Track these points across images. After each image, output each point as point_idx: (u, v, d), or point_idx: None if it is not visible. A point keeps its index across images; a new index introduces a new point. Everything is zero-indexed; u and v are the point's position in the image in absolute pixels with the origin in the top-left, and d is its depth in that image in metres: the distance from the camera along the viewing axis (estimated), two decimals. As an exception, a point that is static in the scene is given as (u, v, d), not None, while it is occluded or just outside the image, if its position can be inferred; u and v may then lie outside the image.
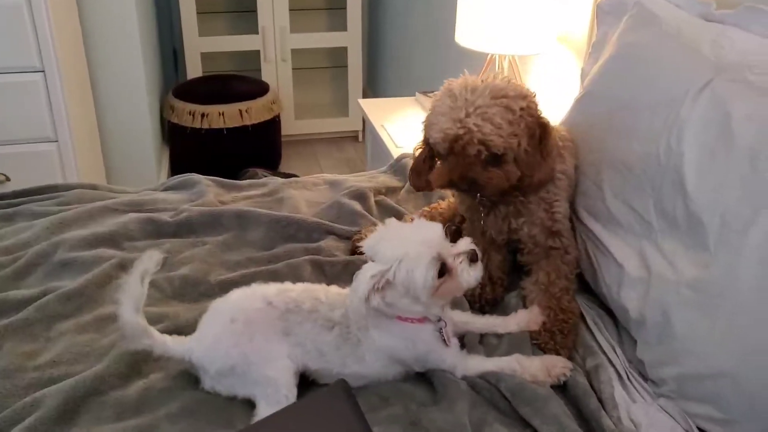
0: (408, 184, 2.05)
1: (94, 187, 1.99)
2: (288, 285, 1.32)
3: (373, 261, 1.22)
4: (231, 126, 3.77)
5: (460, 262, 1.21)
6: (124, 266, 1.59)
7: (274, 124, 3.98)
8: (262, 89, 3.97)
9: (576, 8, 2.19)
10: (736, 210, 1.21)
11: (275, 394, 1.19)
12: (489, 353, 1.36)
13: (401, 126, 2.61)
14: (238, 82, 4.01)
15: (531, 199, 1.46)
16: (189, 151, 3.86)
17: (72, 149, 2.75)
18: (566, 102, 1.74)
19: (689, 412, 1.25)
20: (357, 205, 1.88)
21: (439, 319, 1.28)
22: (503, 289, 1.56)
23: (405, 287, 1.19)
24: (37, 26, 2.53)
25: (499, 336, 1.42)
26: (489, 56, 2.38)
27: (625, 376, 1.36)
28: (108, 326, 1.42)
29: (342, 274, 1.61)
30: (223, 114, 3.75)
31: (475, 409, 1.23)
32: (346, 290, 1.31)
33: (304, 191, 2.03)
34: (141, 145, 3.45)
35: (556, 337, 1.40)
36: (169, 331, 1.36)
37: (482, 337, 1.42)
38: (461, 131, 1.32)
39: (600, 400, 1.27)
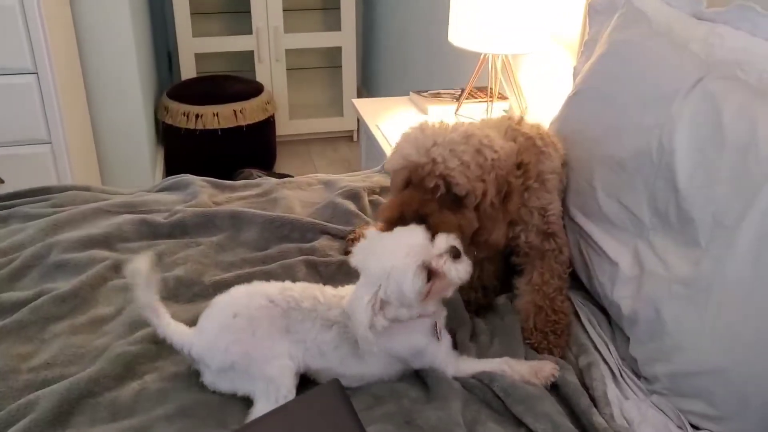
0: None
1: (87, 189, 1.99)
2: (288, 284, 1.33)
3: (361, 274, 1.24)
4: (225, 126, 3.77)
5: (445, 263, 1.20)
6: (118, 267, 1.60)
7: (268, 124, 3.98)
8: (256, 90, 3.97)
9: (569, 7, 2.19)
10: (726, 206, 1.21)
11: (275, 393, 1.20)
12: (481, 352, 1.37)
13: (395, 126, 2.61)
14: (232, 83, 4.01)
15: (530, 206, 1.45)
16: (184, 152, 3.86)
17: (66, 151, 2.75)
18: (560, 100, 1.74)
19: (681, 409, 1.26)
20: (351, 205, 1.88)
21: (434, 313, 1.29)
22: (496, 294, 1.56)
23: (398, 300, 1.19)
24: (30, 28, 2.52)
25: (491, 335, 1.43)
26: (482, 56, 2.38)
27: (618, 374, 1.37)
28: (102, 327, 1.43)
29: (336, 274, 1.62)
30: (217, 115, 3.75)
31: (469, 407, 1.24)
32: (341, 290, 1.33)
33: (298, 191, 2.03)
34: (135, 147, 3.44)
35: (549, 337, 1.40)
36: (164, 332, 1.38)
37: (473, 336, 1.43)
38: (423, 159, 1.25)
39: (593, 398, 1.27)
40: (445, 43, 2.37)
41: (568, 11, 2.20)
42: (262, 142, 3.99)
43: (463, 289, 1.44)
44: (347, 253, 1.70)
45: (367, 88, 4.95)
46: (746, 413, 1.17)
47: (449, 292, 1.26)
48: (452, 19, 2.27)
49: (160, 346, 1.36)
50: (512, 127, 1.48)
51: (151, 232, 1.76)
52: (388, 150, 2.45)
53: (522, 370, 1.29)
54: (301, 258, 1.63)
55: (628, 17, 1.63)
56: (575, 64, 1.95)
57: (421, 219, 1.25)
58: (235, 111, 3.79)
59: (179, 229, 1.76)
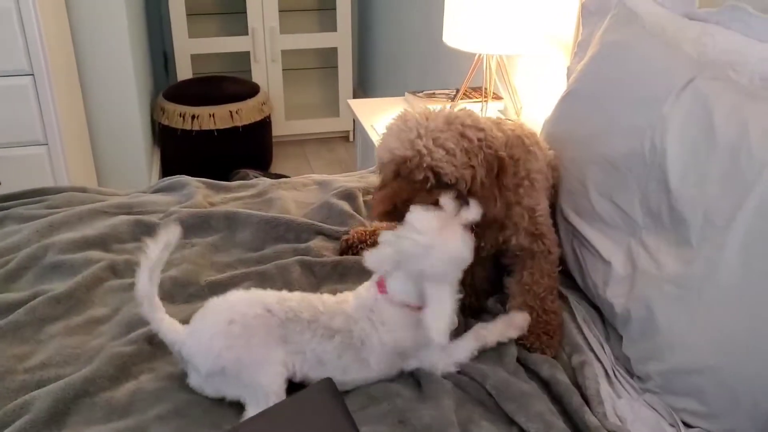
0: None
1: (83, 190, 1.99)
2: (285, 294, 1.31)
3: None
4: (222, 127, 3.77)
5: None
6: (113, 268, 1.60)
7: (264, 125, 3.99)
8: (252, 90, 3.97)
9: (563, 8, 2.20)
10: (717, 206, 1.22)
11: (264, 399, 1.19)
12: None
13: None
14: (228, 84, 4.01)
15: (515, 209, 1.43)
16: (180, 153, 3.86)
17: (62, 152, 2.74)
18: (554, 101, 1.75)
19: (674, 407, 1.26)
20: (346, 206, 1.88)
21: None
22: (487, 297, 1.57)
23: (443, 273, 1.21)
24: (26, 30, 2.52)
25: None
26: (477, 56, 2.39)
27: (611, 373, 1.38)
28: (97, 328, 1.43)
29: (331, 274, 1.62)
30: (213, 115, 3.76)
31: (462, 406, 1.24)
32: (341, 296, 1.33)
33: (294, 192, 2.03)
34: (132, 148, 3.44)
35: (541, 337, 1.41)
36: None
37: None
38: (409, 153, 1.26)
39: (586, 396, 1.28)
40: (440, 43, 2.37)
41: (563, 12, 2.20)
42: (258, 142, 3.99)
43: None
44: (342, 253, 1.70)
45: (363, 88, 4.96)
46: (737, 411, 1.18)
47: None
48: (447, 19, 2.28)
49: (156, 347, 1.36)
50: (499, 125, 1.47)
51: (147, 233, 1.75)
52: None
53: (496, 330, 1.36)
54: (295, 258, 1.64)
55: (620, 18, 1.64)
56: (569, 64, 1.96)
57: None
58: (231, 112, 3.80)
59: (175, 230, 1.77)
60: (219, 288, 1.54)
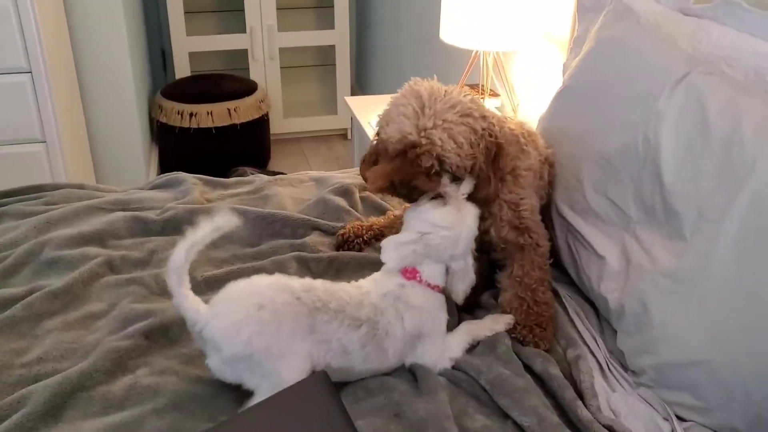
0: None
1: (80, 187, 2.00)
2: (310, 281, 1.30)
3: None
4: (219, 125, 3.77)
5: None
6: (110, 264, 1.61)
7: (262, 122, 3.99)
8: (250, 88, 3.97)
9: (559, 4, 2.20)
10: (711, 200, 1.23)
11: None
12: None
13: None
14: (226, 81, 4.01)
15: (500, 199, 1.46)
16: (178, 151, 3.86)
17: (60, 150, 2.75)
18: (551, 97, 1.75)
19: (667, 401, 1.27)
20: (342, 201, 1.89)
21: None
22: (481, 292, 1.58)
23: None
24: (24, 27, 2.53)
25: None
26: (473, 53, 2.40)
27: (605, 367, 1.38)
28: (94, 323, 1.44)
29: (327, 269, 1.63)
30: (211, 113, 3.76)
31: (456, 400, 1.25)
32: (363, 284, 1.35)
33: (290, 188, 2.04)
34: (130, 145, 3.45)
35: (534, 330, 1.41)
36: (155, 328, 1.39)
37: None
38: (423, 141, 1.29)
39: (580, 390, 1.29)
40: (437, 40, 2.38)
41: (559, 8, 2.21)
42: (256, 140, 3.99)
43: None
44: (338, 248, 1.71)
45: (360, 86, 4.96)
46: (731, 404, 1.18)
47: None
48: (443, 16, 2.28)
49: (152, 341, 1.37)
50: (499, 119, 1.49)
51: (144, 229, 1.77)
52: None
53: (485, 324, 1.42)
54: (292, 254, 1.64)
55: (615, 14, 1.65)
56: (565, 60, 1.96)
57: (410, 188, 1.34)
58: (229, 109, 3.80)
59: (171, 226, 1.77)
60: (215, 284, 1.55)
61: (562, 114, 1.66)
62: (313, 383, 1.05)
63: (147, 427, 1.17)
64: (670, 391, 1.27)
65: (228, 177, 2.18)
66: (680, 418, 1.26)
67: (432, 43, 3.18)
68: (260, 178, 2.09)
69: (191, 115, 3.75)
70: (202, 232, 1.20)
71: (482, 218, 1.45)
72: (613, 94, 1.50)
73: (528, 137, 1.53)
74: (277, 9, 4.17)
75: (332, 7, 4.29)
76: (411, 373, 1.33)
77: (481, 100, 2.33)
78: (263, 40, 4.19)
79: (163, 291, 1.54)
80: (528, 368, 1.34)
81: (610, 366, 1.38)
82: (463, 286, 1.37)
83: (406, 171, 1.32)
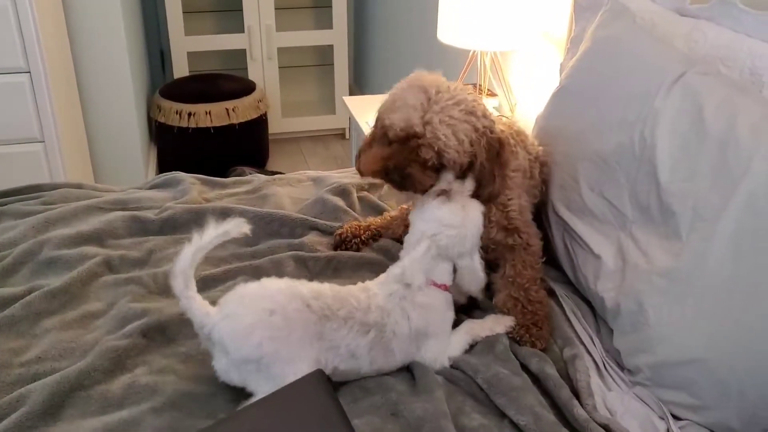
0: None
1: (79, 186, 2.00)
2: (318, 286, 1.31)
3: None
4: (218, 125, 3.77)
5: None
6: (108, 264, 1.61)
7: (260, 122, 3.99)
8: (248, 88, 3.98)
9: (557, 4, 2.21)
10: (706, 199, 1.24)
11: None
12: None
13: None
14: (224, 81, 4.01)
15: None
16: (176, 151, 3.86)
17: (58, 149, 2.75)
18: (548, 97, 1.76)
19: (663, 400, 1.28)
20: (340, 201, 1.89)
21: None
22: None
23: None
24: (23, 27, 2.53)
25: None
26: (471, 53, 2.40)
27: (602, 366, 1.39)
28: (92, 322, 1.44)
29: (325, 269, 1.63)
30: (209, 113, 3.76)
31: (453, 399, 1.25)
32: (370, 286, 1.36)
33: (288, 188, 2.04)
34: (128, 145, 3.45)
35: (530, 329, 1.42)
36: (152, 326, 1.39)
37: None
38: (428, 134, 1.31)
39: (576, 389, 1.29)
40: (435, 40, 2.38)
41: (556, 8, 2.21)
42: (254, 140, 3.99)
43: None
44: (336, 248, 1.71)
45: (359, 85, 4.96)
46: (726, 403, 1.19)
47: None
48: (441, 16, 2.29)
49: (150, 340, 1.38)
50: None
51: (142, 229, 1.77)
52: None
53: (486, 325, 1.43)
54: (290, 253, 1.65)
55: (612, 13, 1.65)
56: (562, 60, 1.97)
57: (403, 176, 1.35)
58: (227, 109, 3.80)
59: (170, 226, 1.78)
60: (213, 282, 1.56)
61: (558, 114, 1.66)
62: (310, 382, 1.05)
63: (145, 426, 1.18)
64: (665, 389, 1.28)
65: (226, 177, 2.19)
66: (676, 417, 1.26)
67: (430, 43, 3.18)
68: (258, 178, 2.10)
69: (190, 114, 3.75)
70: (210, 236, 1.21)
71: None
72: (610, 93, 1.50)
73: (517, 137, 1.54)
74: (276, 9, 4.17)
75: (330, 7, 4.29)
76: (409, 373, 1.33)
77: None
78: (261, 39, 4.20)
79: (161, 290, 1.55)
80: (525, 367, 1.35)
81: (607, 365, 1.39)
82: (475, 285, 1.40)
83: (403, 158, 1.34)
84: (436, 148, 1.32)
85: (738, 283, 1.17)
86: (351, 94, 4.66)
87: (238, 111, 3.83)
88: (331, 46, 4.40)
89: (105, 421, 1.19)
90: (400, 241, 1.50)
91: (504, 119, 1.59)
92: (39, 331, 1.41)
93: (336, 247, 1.71)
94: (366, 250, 1.70)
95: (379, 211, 1.90)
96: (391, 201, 1.97)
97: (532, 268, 1.49)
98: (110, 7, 3.11)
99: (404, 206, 1.77)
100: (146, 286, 1.55)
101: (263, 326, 1.20)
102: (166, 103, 3.78)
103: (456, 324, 1.43)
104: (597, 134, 1.49)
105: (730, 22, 1.47)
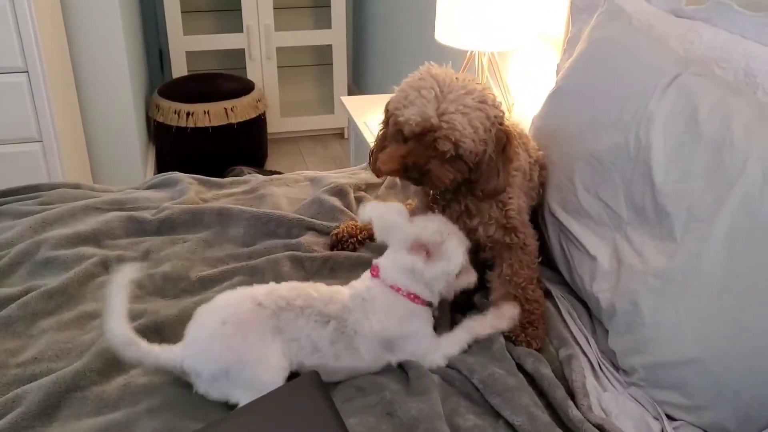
0: (388, 180, 2.07)
1: (76, 186, 2.00)
2: (274, 285, 1.33)
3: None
4: (216, 124, 3.77)
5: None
6: (105, 264, 1.62)
7: (259, 122, 3.99)
8: (247, 87, 3.98)
9: (554, 4, 2.21)
10: (701, 200, 1.24)
11: None
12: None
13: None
14: (223, 81, 4.01)
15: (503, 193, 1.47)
16: (175, 150, 3.86)
17: (57, 149, 2.75)
18: (545, 97, 1.76)
19: (658, 400, 1.28)
20: (337, 202, 1.90)
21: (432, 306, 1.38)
22: (474, 293, 1.58)
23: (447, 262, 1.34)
24: (21, 27, 2.52)
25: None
26: (469, 53, 2.40)
27: (597, 366, 1.39)
28: (89, 323, 1.44)
29: (321, 269, 1.64)
30: (208, 112, 3.76)
31: (448, 399, 1.26)
32: (335, 287, 1.36)
33: (285, 188, 2.04)
34: (126, 145, 3.45)
35: (527, 329, 1.42)
36: (149, 327, 1.39)
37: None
38: (444, 125, 1.30)
39: (572, 390, 1.30)
40: (432, 40, 2.38)
41: (554, 9, 2.21)
42: (253, 139, 3.99)
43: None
44: (333, 248, 1.72)
45: (357, 85, 4.96)
46: (720, 403, 1.19)
47: (459, 288, 1.41)
48: (438, 17, 2.29)
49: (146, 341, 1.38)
50: None
51: (139, 229, 1.77)
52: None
53: (487, 322, 1.41)
54: (286, 253, 1.65)
55: (608, 14, 1.66)
56: (559, 61, 1.97)
57: (422, 172, 1.34)
58: (226, 109, 3.80)
59: (167, 226, 1.78)
60: (210, 283, 1.56)
61: (554, 114, 1.67)
62: (304, 383, 1.06)
63: (141, 427, 1.18)
64: (660, 390, 1.28)
65: (225, 176, 2.19)
66: (670, 417, 1.27)
67: (429, 43, 3.18)
68: (256, 178, 2.10)
69: (188, 114, 3.75)
70: (117, 297, 1.21)
71: (470, 216, 1.48)
72: (606, 94, 1.50)
73: (519, 138, 1.54)
74: (274, 8, 4.16)
75: (329, 6, 4.29)
76: (404, 373, 1.33)
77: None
78: (260, 39, 4.20)
79: (157, 290, 1.55)
80: (520, 367, 1.35)
81: (602, 365, 1.39)
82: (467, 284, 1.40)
83: (421, 154, 1.33)
84: (453, 139, 1.30)
85: (732, 284, 1.17)
86: (350, 94, 4.66)
87: (237, 111, 3.83)
88: (329, 46, 4.40)
89: (100, 422, 1.19)
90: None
91: (508, 120, 1.59)
92: (35, 331, 1.41)
93: (332, 247, 1.72)
94: (362, 250, 1.71)
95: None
96: (390, 201, 1.97)
97: (528, 267, 1.49)
98: (108, 6, 3.11)
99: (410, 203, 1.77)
100: (142, 286, 1.55)
101: (218, 338, 1.22)
102: (165, 103, 3.78)
103: (447, 325, 1.44)
104: (593, 135, 1.50)
105: (725, 23, 1.47)
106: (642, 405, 1.29)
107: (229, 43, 4.22)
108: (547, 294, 1.56)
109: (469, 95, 1.33)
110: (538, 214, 1.65)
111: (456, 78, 1.36)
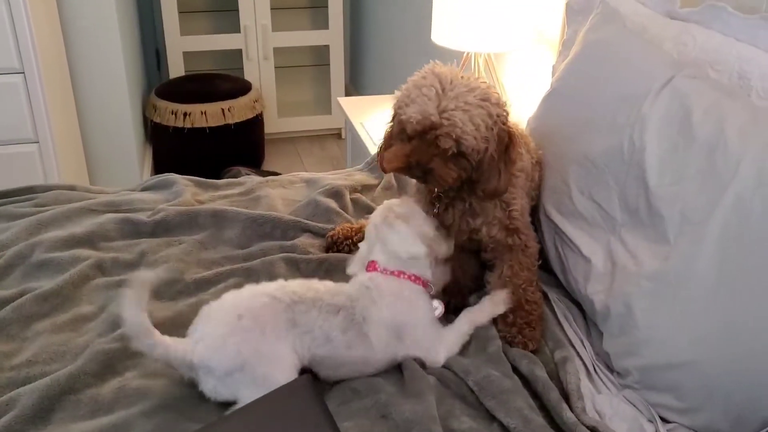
0: (384, 180, 2.07)
1: (71, 188, 2.00)
2: (283, 281, 1.34)
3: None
4: (214, 125, 3.77)
5: None
6: (100, 266, 1.61)
7: (256, 122, 3.99)
8: (244, 88, 3.98)
9: (550, 6, 2.21)
10: (694, 203, 1.24)
11: None
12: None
13: (380, 123, 2.62)
14: (220, 81, 4.01)
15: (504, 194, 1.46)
16: (172, 151, 3.86)
17: (53, 150, 2.75)
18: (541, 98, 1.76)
19: (652, 402, 1.28)
20: (332, 203, 1.89)
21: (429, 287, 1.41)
22: (470, 294, 1.59)
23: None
24: (17, 27, 2.52)
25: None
26: (465, 54, 2.40)
27: (592, 368, 1.39)
28: (84, 326, 1.44)
29: (317, 271, 1.63)
30: (205, 113, 3.76)
31: (443, 401, 1.26)
32: (338, 285, 1.37)
33: (281, 189, 2.04)
34: (123, 145, 3.45)
35: (524, 330, 1.42)
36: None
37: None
38: (445, 122, 1.30)
39: (566, 392, 1.30)
40: (429, 41, 2.39)
41: (550, 10, 2.22)
42: (250, 140, 3.99)
43: (444, 293, 1.51)
44: (328, 250, 1.72)
45: (355, 86, 4.97)
46: (714, 405, 1.20)
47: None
48: (435, 18, 2.29)
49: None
50: None
51: (135, 231, 1.77)
52: (371, 147, 2.47)
53: (485, 309, 1.43)
54: (281, 255, 1.65)
55: (603, 17, 1.66)
56: (554, 63, 1.97)
57: (426, 170, 1.34)
58: (223, 109, 3.80)
59: (162, 228, 1.78)
60: (205, 285, 1.56)
61: (549, 116, 1.67)
62: (297, 386, 1.06)
63: (135, 430, 1.18)
64: (654, 392, 1.28)
65: (222, 177, 2.19)
66: (664, 420, 1.27)
67: (425, 44, 3.18)
68: (251, 179, 2.10)
69: (185, 114, 3.75)
70: (139, 290, 1.20)
71: (474, 215, 1.47)
72: (600, 97, 1.51)
73: (521, 139, 1.54)
74: (272, 9, 4.16)
75: (326, 7, 4.29)
76: (399, 374, 1.33)
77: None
78: (257, 39, 4.20)
79: (152, 293, 1.54)
80: (515, 369, 1.35)
81: (596, 368, 1.39)
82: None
83: (424, 152, 1.33)
84: (454, 136, 1.30)
85: (725, 287, 1.18)
86: (347, 94, 4.66)
87: (234, 111, 3.83)
88: (327, 47, 4.40)
89: (95, 425, 1.19)
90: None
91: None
92: (30, 334, 1.41)
93: (328, 249, 1.72)
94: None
95: (371, 212, 1.90)
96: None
97: (528, 269, 1.49)
98: (105, 6, 3.11)
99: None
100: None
101: (236, 333, 1.22)
102: (162, 103, 3.78)
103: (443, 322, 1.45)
104: (587, 137, 1.50)
105: (719, 25, 1.47)
106: (636, 407, 1.29)
107: (227, 44, 4.22)
108: (544, 296, 1.56)
109: (471, 93, 1.33)
110: (533, 216, 1.65)
111: (461, 76, 1.36)
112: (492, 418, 1.23)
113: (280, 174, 2.27)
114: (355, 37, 4.85)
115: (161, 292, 1.55)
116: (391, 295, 1.34)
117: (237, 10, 4.12)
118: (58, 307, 1.49)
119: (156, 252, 1.68)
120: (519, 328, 1.43)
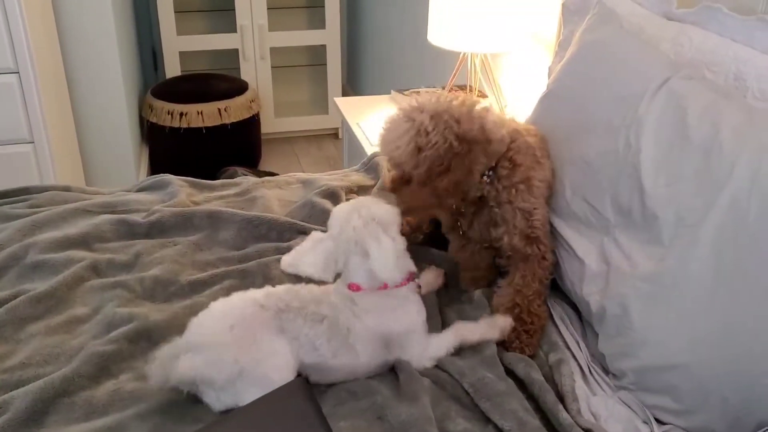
0: (380, 182, 2.07)
1: (67, 189, 1.99)
2: (270, 288, 1.34)
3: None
4: (210, 125, 3.77)
5: None
6: (95, 268, 1.61)
7: (253, 122, 3.99)
8: (241, 88, 3.97)
9: (546, 6, 2.21)
10: (689, 204, 1.24)
11: None
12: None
13: (376, 124, 2.62)
14: (217, 81, 4.01)
15: (506, 207, 1.47)
16: (168, 151, 3.86)
17: (48, 151, 2.74)
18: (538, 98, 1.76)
19: (647, 404, 1.28)
20: (329, 204, 1.88)
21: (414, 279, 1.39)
22: (486, 280, 1.62)
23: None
24: (11, 27, 2.51)
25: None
26: (461, 54, 2.40)
27: (587, 370, 1.39)
28: (78, 327, 1.44)
29: (312, 272, 1.63)
30: (202, 113, 3.76)
31: (439, 403, 1.25)
32: (324, 287, 1.36)
33: (277, 190, 2.04)
34: (120, 146, 3.44)
35: (521, 336, 1.42)
36: (139, 331, 1.39)
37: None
38: (388, 156, 1.49)
39: (561, 393, 1.29)
40: (426, 42, 2.38)
41: (546, 11, 2.21)
42: (246, 140, 3.99)
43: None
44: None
45: (351, 86, 4.96)
46: (707, 407, 1.19)
47: None
48: (431, 18, 2.29)
49: (135, 346, 1.37)
50: (517, 130, 1.52)
51: (129, 232, 1.76)
52: (368, 148, 2.47)
53: (478, 330, 1.40)
54: (277, 257, 1.64)
55: (599, 17, 1.66)
56: (551, 63, 1.97)
57: (410, 208, 1.48)
58: (219, 109, 3.80)
59: (157, 229, 1.77)
60: (200, 287, 1.55)
61: (545, 117, 1.66)
62: (291, 389, 1.06)
63: (130, 432, 1.18)
64: (649, 394, 1.28)
65: (218, 177, 2.18)
66: (659, 421, 1.26)
67: (422, 45, 3.18)
68: (247, 180, 2.09)
69: (182, 114, 3.74)
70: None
71: (496, 225, 1.50)
72: (596, 98, 1.50)
73: (542, 144, 1.55)
74: (268, 8, 4.16)
75: (323, 7, 4.29)
76: (395, 377, 1.33)
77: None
78: (254, 39, 4.19)
79: (147, 294, 1.55)
80: (510, 372, 1.35)
81: (592, 369, 1.39)
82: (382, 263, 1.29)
83: (394, 180, 1.48)
84: (396, 164, 1.42)
85: (721, 288, 1.17)
86: (344, 94, 4.66)
87: (231, 111, 3.83)
88: (323, 46, 4.40)
89: (89, 428, 1.18)
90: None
91: (534, 131, 1.58)
92: (23, 336, 1.41)
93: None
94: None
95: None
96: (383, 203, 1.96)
97: (540, 282, 1.48)
98: (101, 6, 3.10)
99: None
100: (133, 290, 1.54)
101: (230, 343, 1.22)
102: (158, 103, 3.78)
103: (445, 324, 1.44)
104: (583, 138, 1.49)
105: (716, 26, 1.47)
106: (631, 409, 1.29)
107: (223, 44, 4.22)
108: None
109: (403, 119, 1.43)
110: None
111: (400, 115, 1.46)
112: (487, 420, 1.23)
113: (277, 174, 2.27)
114: (351, 37, 4.84)
115: (156, 293, 1.55)
116: (375, 311, 1.32)
117: (233, 10, 4.12)
118: (52, 308, 1.48)
119: (151, 253, 1.68)
120: (517, 334, 1.42)
